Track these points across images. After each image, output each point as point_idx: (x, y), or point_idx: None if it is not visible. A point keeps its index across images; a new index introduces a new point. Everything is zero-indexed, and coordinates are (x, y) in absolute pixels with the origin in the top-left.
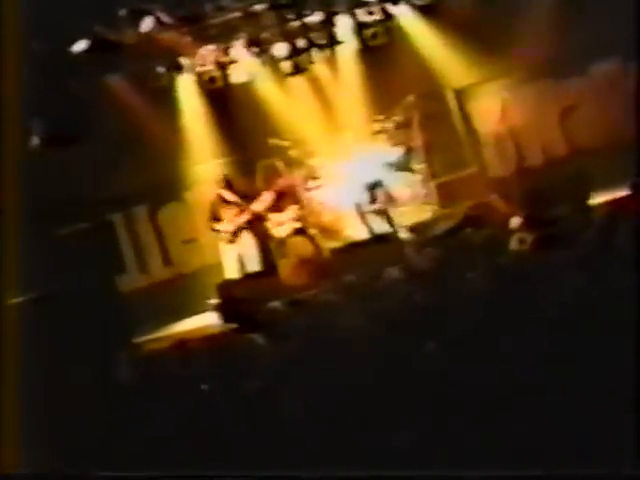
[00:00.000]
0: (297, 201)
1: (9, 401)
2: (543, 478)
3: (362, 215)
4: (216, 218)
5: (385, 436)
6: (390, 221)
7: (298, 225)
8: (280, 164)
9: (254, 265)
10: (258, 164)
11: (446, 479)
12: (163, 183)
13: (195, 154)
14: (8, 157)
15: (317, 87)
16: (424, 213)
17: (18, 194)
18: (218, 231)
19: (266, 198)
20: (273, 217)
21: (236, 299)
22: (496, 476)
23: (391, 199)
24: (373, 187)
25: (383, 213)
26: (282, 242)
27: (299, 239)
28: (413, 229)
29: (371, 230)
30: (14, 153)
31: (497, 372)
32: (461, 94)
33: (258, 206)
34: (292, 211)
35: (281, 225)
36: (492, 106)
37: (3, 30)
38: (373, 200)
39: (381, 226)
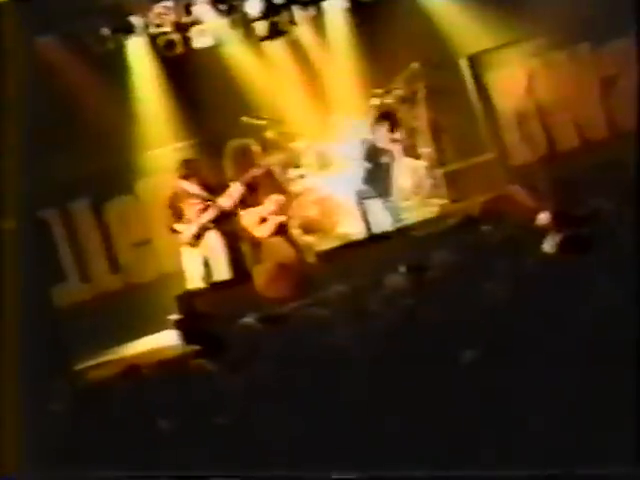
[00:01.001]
0: (275, 193)
1: (9, 401)
2: (543, 478)
3: (360, 207)
4: (176, 215)
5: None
6: (396, 215)
7: (277, 221)
8: (255, 148)
9: (222, 272)
10: (227, 148)
11: (446, 479)
12: (109, 171)
13: (149, 136)
14: None
15: (299, 53)
16: (430, 207)
17: None
18: (178, 231)
19: (236, 191)
20: (246, 213)
21: (200, 314)
22: (496, 476)
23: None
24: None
25: (387, 203)
26: (257, 244)
27: (278, 240)
28: (417, 227)
29: (368, 227)
30: None
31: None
32: (477, 62)
33: (227, 200)
34: (270, 205)
35: (256, 223)
36: (515, 77)
37: None
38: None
39: (382, 221)
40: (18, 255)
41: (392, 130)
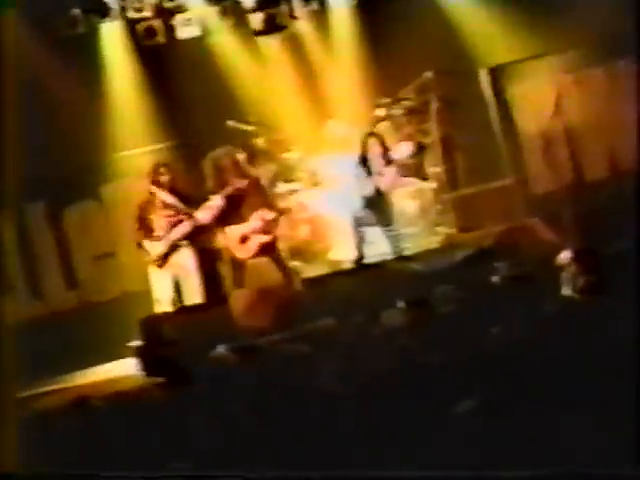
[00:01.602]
0: (262, 209)
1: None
2: (543, 478)
3: (357, 233)
4: (145, 227)
5: None
6: (395, 243)
7: (261, 241)
8: (241, 156)
9: (194, 295)
10: (209, 155)
11: (446, 479)
12: (71, 171)
13: (120, 134)
14: None
15: (298, 52)
16: (436, 236)
17: None
18: (145, 246)
19: (216, 203)
20: (227, 230)
21: (165, 342)
22: (496, 476)
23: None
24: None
25: (386, 229)
26: (238, 265)
27: (262, 262)
28: (419, 258)
29: (362, 254)
30: None
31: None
32: (498, 74)
33: (204, 214)
34: (254, 222)
35: (238, 242)
36: (542, 93)
37: None
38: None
39: (380, 249)
40: None
41: (384, 151)
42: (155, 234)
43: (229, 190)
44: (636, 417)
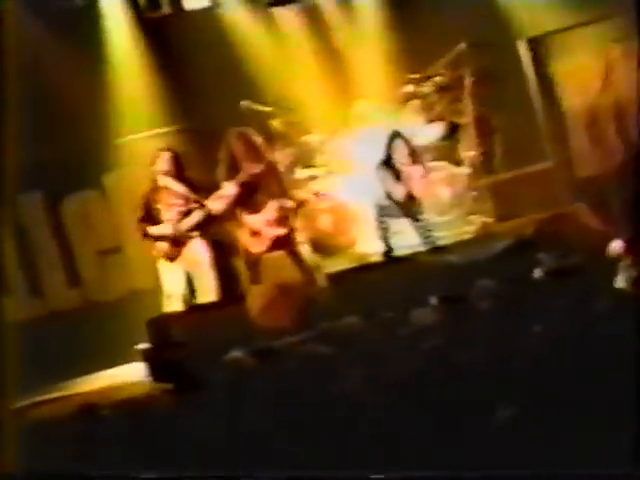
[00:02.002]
0: (278, 197)
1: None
2: (543, 478)
3: (381, 222)
4: (151, 218)
5: None
6: (426, 234)
7: (277, 234)
8: (257, 138)
9: (207, 293)
10: (223, 138)
11: (445, 479)
12: (71, 158)
13: (124, 118)
14: None
15: (318, 24)
16: (471, 226)
17: None
18: (154, 238)
19: (228, 191)
20: (241, 222)
21: (175, 344)
22: (496, 475)
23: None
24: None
25: (416, 219)
26: (254, 260)
27: (280, 257)
28: (453, 249)
29: (389, 246)
30: None
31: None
32: (539, 45)
33: (216, 203)
34: (270, 213)
35: (251, 234)
36: (588, 66)
37: None
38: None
39: (409, 241)
40: None
41: (411, 152)
42: (166, 223)
43: (243, 176)
44: (636, 417)
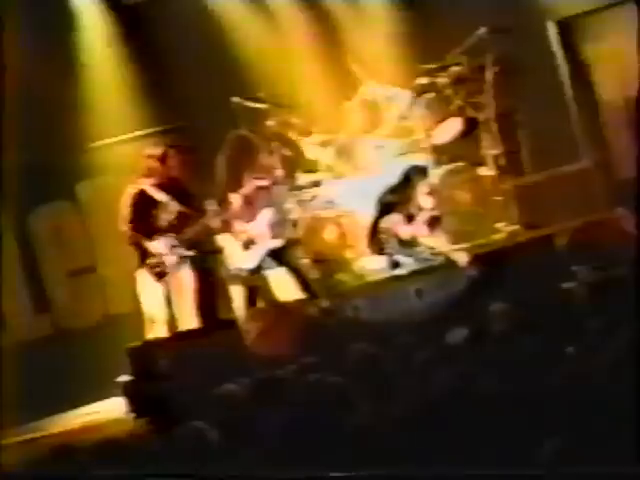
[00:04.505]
0: (272, 205)
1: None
2: (543, 478)
3: (387, 232)
4: (143, 223)
5: None
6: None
7: (271, 246)
8: (254, 139)
9: (193, 316)
10: (212, 140)
11: (445, 479)
12: (38, 167)
13: (98, 119)
14: None
15: (318, 10)
16: (495, 235)
17: None
18: (143, 250)
19: (234, 204)
20: (230, 234)
21: (160, 376)
22: (496, 475)
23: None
24: (408, 178)
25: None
26: (249, 278)
27: (279, 272)
28: (474, 261)
29: (395, 260)
30: None
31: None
32: (571, 29)
33: (213, 219)
34: (262, 222)
35: (242, 248)
36: (626, 51)
37: None
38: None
39: (421, 254)
40: None
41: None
42: (151, 240)
43: (250, 188)
44: (636, 417)
